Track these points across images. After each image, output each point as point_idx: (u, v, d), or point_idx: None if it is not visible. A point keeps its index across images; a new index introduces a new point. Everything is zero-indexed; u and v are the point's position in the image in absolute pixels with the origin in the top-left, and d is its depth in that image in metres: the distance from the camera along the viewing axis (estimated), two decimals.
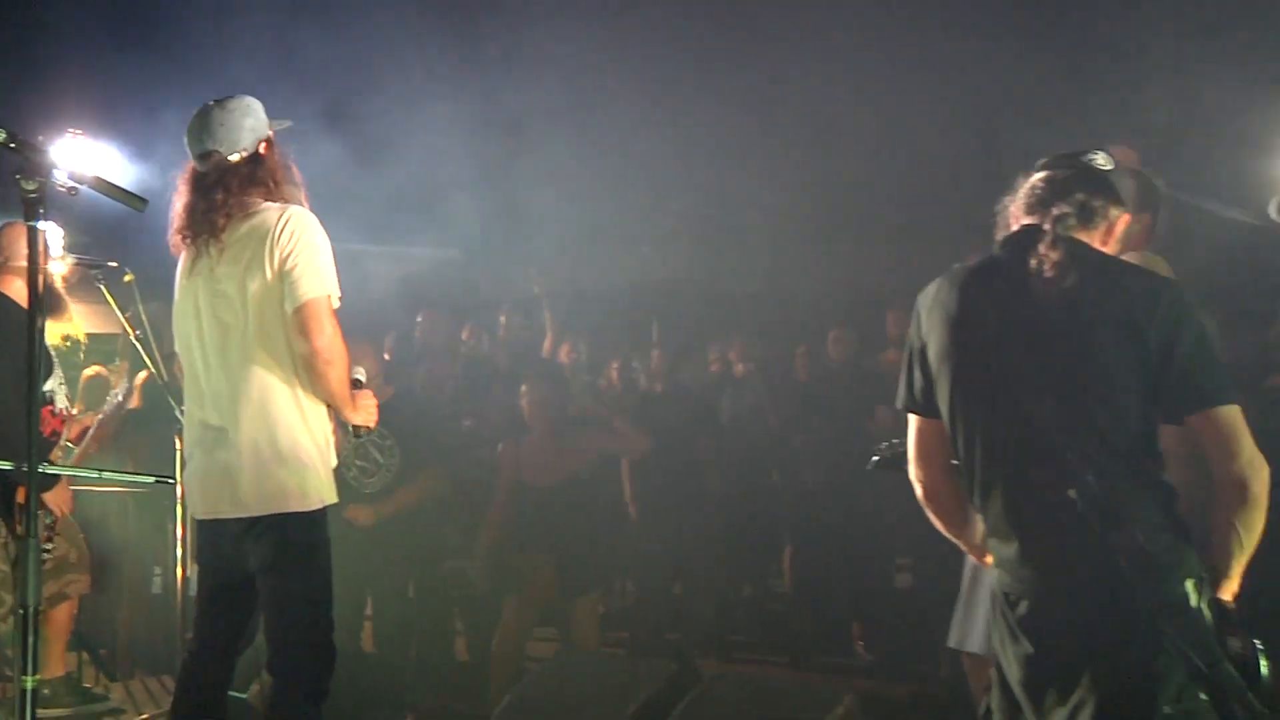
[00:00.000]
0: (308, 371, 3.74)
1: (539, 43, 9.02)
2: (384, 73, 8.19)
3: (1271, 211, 3.00)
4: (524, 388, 6.37)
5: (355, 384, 4.03)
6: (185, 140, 3.93)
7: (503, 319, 8.56)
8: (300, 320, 3.66)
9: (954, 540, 3.36)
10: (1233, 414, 2.91)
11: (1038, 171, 3.21)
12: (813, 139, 10.43)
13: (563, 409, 6.42)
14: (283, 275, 3.67)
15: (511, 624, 6.22)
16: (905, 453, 3.42)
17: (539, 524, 6.22)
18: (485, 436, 6.80)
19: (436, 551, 6.45)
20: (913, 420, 3.30)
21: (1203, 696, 2.81)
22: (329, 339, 3.71)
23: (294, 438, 3.77)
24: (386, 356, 7.81)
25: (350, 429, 4.02)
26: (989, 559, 3.20)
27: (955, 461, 3.23)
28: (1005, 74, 9.49)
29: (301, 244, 3.69)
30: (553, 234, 9.36)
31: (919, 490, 3.34)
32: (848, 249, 11.59)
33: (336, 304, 3.83)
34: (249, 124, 3.85)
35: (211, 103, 3.87)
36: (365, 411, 4.00)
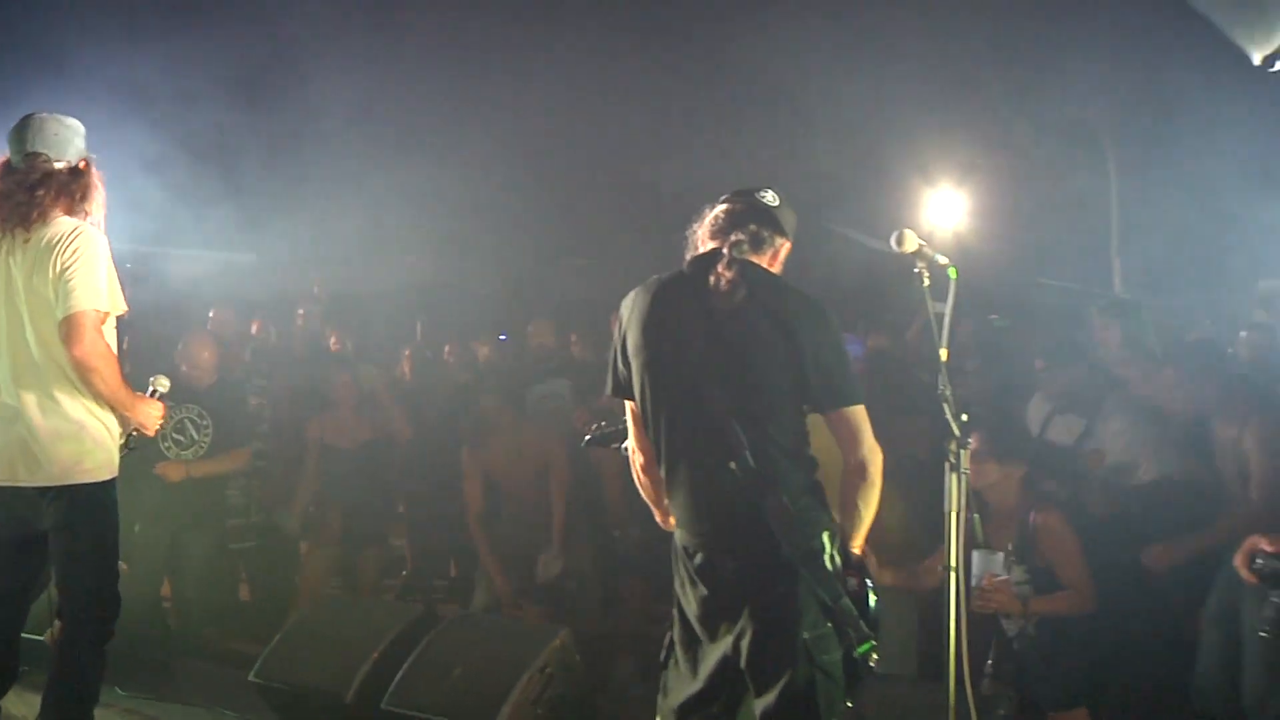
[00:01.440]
0: (75, 372, 3.81)
1: (324, 64, 9.12)
2: (182, 84, 8.32)
3: (892, 243, 3.26)
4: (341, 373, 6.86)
5: (153, 393, 4.20)
6: (9, 138, 3.92)
7: (300, 313, 8.72)
8: (65, 329, 3.72)
9: (652, 505, 3.43)
10: (859, 412, 3.11)
11: (720, 204, 3.30)
12: (551, 166, 11.25)
13: (360, 389, 6.81)
14: (59, 284, 3.71)
15: (311, 569, 6.57)
16: (612, 433, 3.58)
17: (336, 481, 6.57)
18: (269, 415, 7.21)
19: (224, 510, 6.48)
20: (628, 405, 3.36)
21: (828, 624, 3.05)
22: (88, 347, 3.71)
23: (80, 418, 3.86)
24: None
25: (131, 431, 4.06)
26: (672, 520, 3.31)
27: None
28: (707, 127, 10.63)
29: (81, 260, 3.70)
30: (334, 242, 9.80)
31: (638, 462, 3.40)
32: (578, 260, 12.48)
33: (111, 314, 3.86)
34: (77, 142, 3.96)
35: (46, 114, 3.93)
36: (144, 417, 4.04)
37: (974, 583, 4.07)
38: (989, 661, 4.20)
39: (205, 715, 4.95)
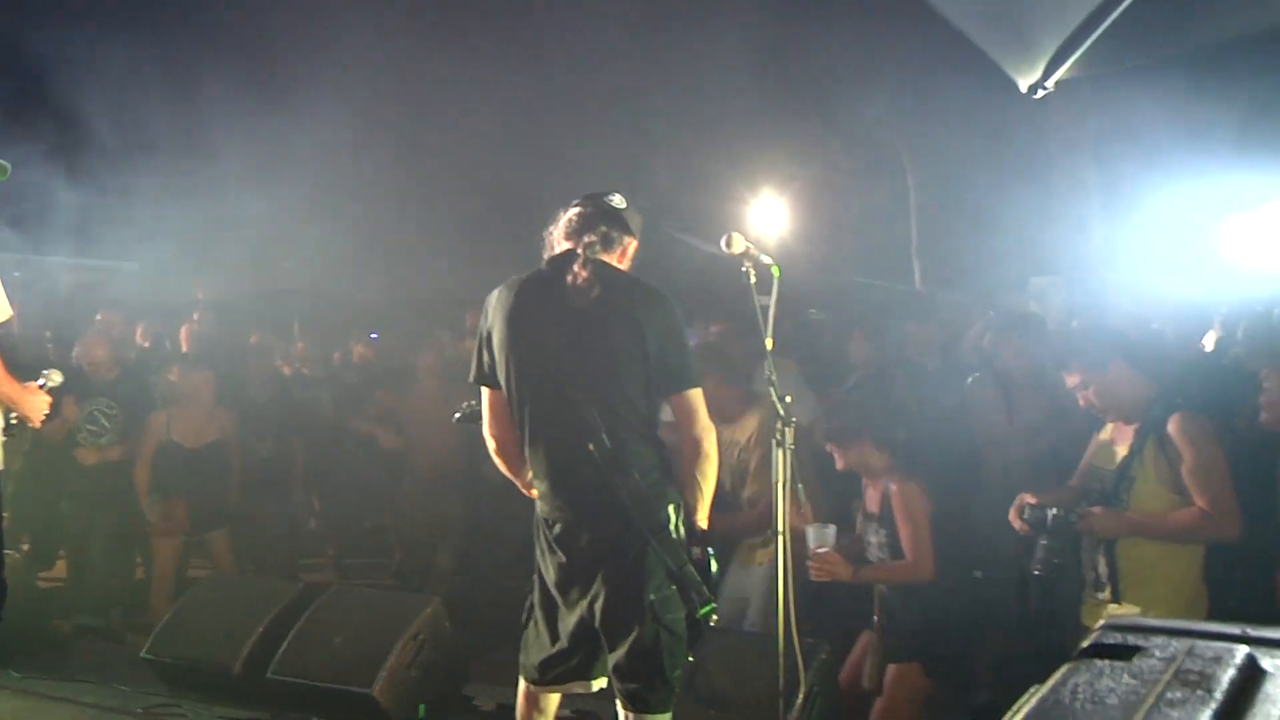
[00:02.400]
0: None
1: (204, 76, 9.34)
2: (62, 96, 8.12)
3: (721, 245, 3.38)
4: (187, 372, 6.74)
5: (43, 385, 4.27)
6: None
7: (196, 316, 8.79)
8: None
9: (513, 479, 3.51)
10: (696, 394, 3.26)
11: (573, 207, 3.39)
12: (416, 175, 11.33)
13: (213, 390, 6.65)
14: None
15: (162, 553, 6.52)
16: (479, 411, 3.58)
17: (181, 475, 6.50)
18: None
19: (127, 494, 6.45)
20: (485, 391, 3.42)
21: (673, 587, 3.20)
22: None
23: None
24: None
25: (11, 419, 4.15)
26: (534, 492, 3.40)
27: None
28: (563, 145, 10.84)
29: None
30: (215, 249, 9.72)
31: (492, 444, 3.46)
32: (442, 262, 12.56)
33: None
34: None
35: None
36: (30, 408, 4.18)
37: (810, 552, 4.24)
38: (875, 615, 4.41)
39: (100, 691, 4.91)
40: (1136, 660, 1.37)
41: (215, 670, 4.77)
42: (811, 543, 4.25)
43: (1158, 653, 1.39)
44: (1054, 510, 3.90)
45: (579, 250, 3.27)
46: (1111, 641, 1.47)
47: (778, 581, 3.41)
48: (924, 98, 10.77)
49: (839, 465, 4.54)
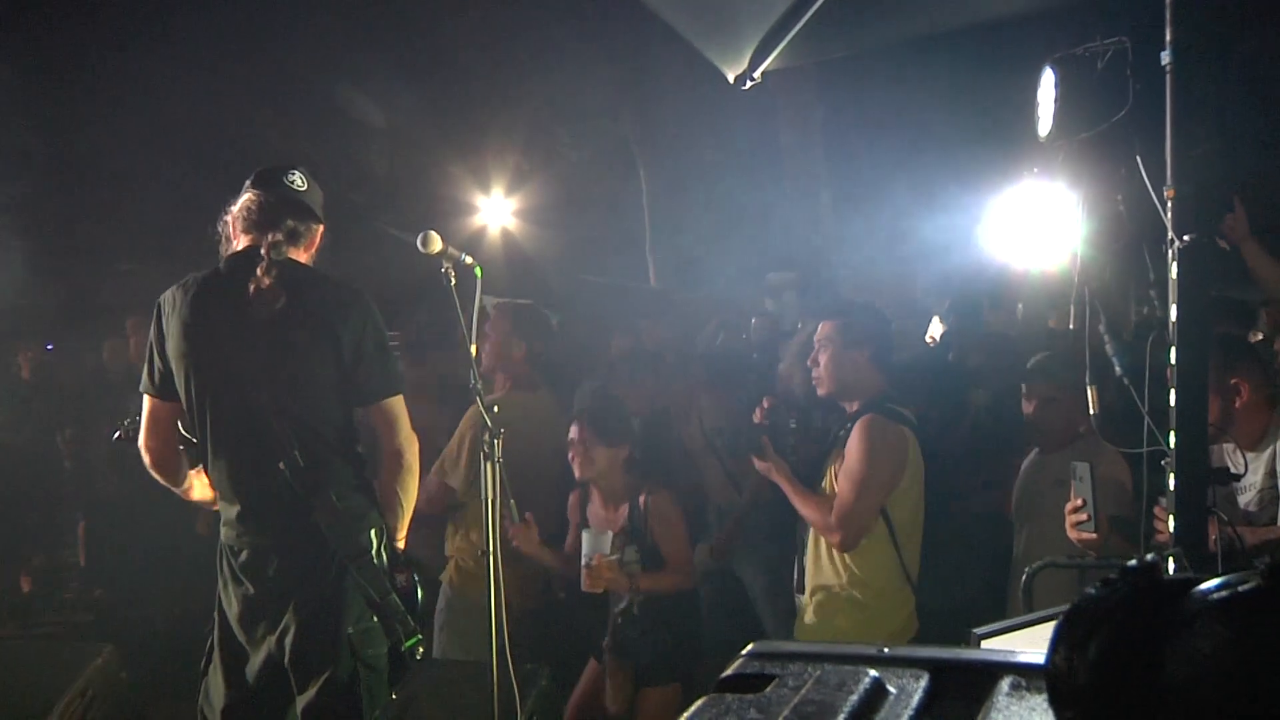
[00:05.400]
0: None
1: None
2: None
3: (418, 244, 3.27)
4: None
5: None
6: None
7: None
8: None
9: (175, 490, 3.42)
10: (397, 402, 3.21)
11: (249, 192, 3.24)
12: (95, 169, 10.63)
13: None
14: None
15: None
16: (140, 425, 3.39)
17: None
18: None
19: None
20: (148, 401, 3.29)
21: (375, 619, 3.11)
22: None
23: None
24: None
25: None
26: (192, 494, 3.38)
27: (188, 436, 3.30)
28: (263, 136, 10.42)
29: None
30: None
31: (148, 458, 3.32)
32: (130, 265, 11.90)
33: None
34: None
35: None
36: None
37: (584, 562, 4.20)
38: (605, 639, 4.35)
39: None
40: (770, 690, 1.37)
41: None
42: (587, 550, 4.21)
43: (791, 682, 1.39)
44: (793, 424, 4.04)
45: (263, 251, 3.15)
46: (749, 671, 1.47)
47: (489, 603, 3.34)
48: (650, 86, 11.00)
49: (580, 472, 4.47)
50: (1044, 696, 1.09)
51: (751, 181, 10.49)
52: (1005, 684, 1.40)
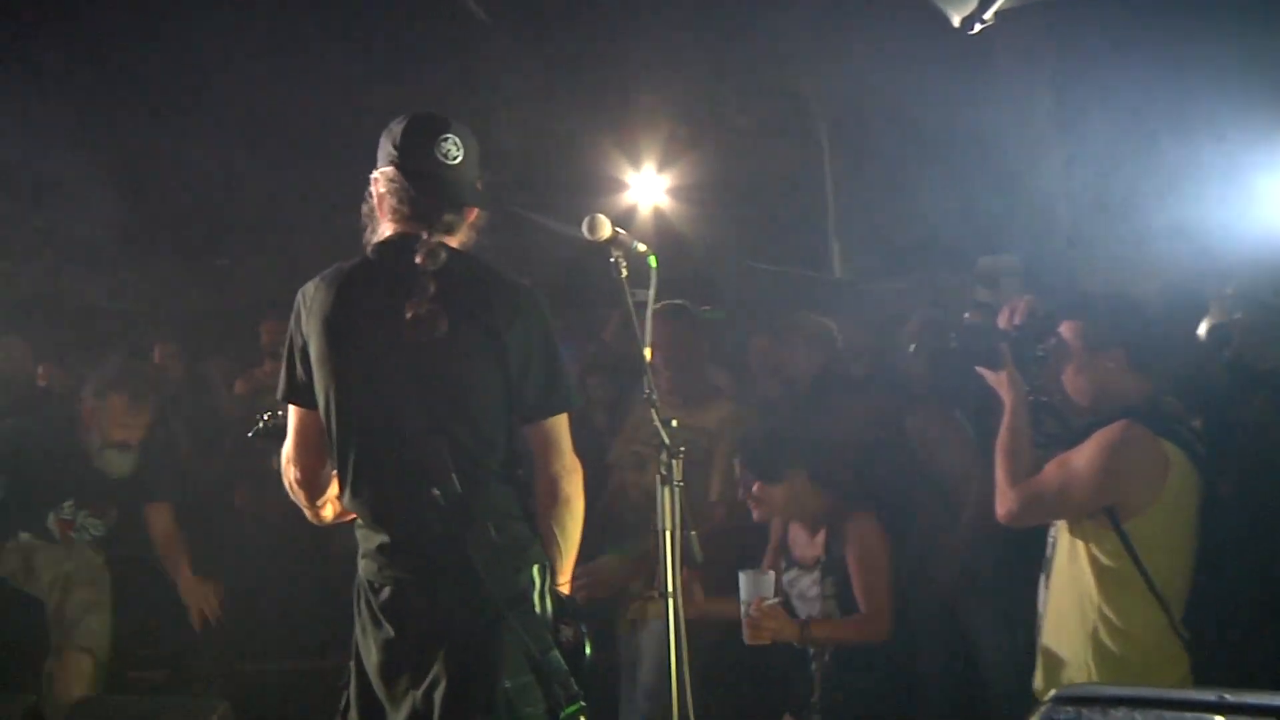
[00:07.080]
0: None
1: None
2: None
3: (584, 230, 3.22)
4: None
5: None
6: None
7: None
8: None
9: (307, 511, 3.48)
10: (560, 422, 3.23)
11: (392, 165, 3.24)
12: (174, 169, 11.00)
13: None
14: None
15: None
16: (284, 427, 3.46)
17: None
18: None
19: None
20: (294, 411, 3.34)
21: (532, 675, 3.07)
22: None
23: None
24: None
25: None
26: (325, 514, 3.45)
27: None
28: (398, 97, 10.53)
29: None
30: None
31: (297, 475, 3.38)
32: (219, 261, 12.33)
33: None
34: None
35: None
36: None
37: (743, 610, 4.12)
38: (813, 696, 4.30)
39: None
40: None
41: None
42: (745, 595, 4.13)
43: None
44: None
45: (418, 260, 3.14)
46: (1063, 718, 1.50)
47: (669, 654, 3.18)
48: (836, 38, 10.65)
49: (758, 513, 4.47)
50: None
51: (961, 148, 10.07)
52: None
